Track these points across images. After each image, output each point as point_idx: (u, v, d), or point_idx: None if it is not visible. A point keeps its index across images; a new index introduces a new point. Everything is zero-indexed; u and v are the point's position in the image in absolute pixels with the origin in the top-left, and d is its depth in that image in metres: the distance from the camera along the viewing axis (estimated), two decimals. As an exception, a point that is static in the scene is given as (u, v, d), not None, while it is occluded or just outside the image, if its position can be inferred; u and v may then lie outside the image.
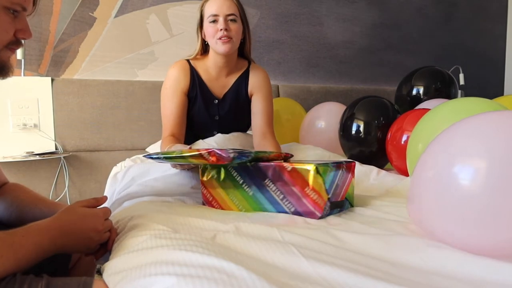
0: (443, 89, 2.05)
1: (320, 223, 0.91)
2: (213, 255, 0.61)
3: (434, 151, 0.77)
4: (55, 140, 1.90)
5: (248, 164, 0.99)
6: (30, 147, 1.85)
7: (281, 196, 0.96)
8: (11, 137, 1.83)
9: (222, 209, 1.04)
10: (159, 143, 1.94)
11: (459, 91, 2.64)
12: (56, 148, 1.91)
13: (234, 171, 1.02)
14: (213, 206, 1.06)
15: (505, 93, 3.27)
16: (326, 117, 2.02)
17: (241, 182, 1.01)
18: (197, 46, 1.52)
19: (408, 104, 2.04)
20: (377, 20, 2.75)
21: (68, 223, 0.74)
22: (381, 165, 1.62)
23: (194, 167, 1.21)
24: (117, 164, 1.70)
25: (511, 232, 0.65)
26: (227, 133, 1.56)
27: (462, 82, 2.74)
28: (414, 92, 2.07)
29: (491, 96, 1.88)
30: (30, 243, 0.66)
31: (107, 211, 0.81)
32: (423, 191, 0.76)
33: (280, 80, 2.46)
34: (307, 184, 0.92)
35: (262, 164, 0.99)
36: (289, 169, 0.95)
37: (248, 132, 1.68)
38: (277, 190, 0.97)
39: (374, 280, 0.57)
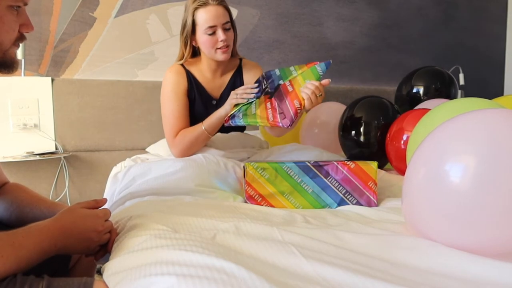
0: (443, 89, 2.05)
1: (320, 223, 0.91)
2: (213, 255, 0.61)
3: (425, 150, 0.78)
4: (55, 140, 1.90)
5: (308, 164, 1.11)
6: (30, 147, 1.85)
7: (344, 191, 1.10)
8: (11, 137, 1.83)
9: (272, 207, 1.09)
10: (159, 143, 1.95)
11: (459, 91, 2.64)
12: (56, 148, 1.91)
13: (291, 170, 1.10)
14: (259, 204, 1.10)
15: (505, 93, 3.27)
16: (326, 117, 2.02)
17: (299, 181, 1.10)
18: (186, 51, 1.50)
19: (408, 104, 2.04)
20: (377, 20, 2.75)
21: (68, 224, 0.74)
22: (381, 165, 1.62)
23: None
24: (117, 164, 1.70)
25: (500, 230, 0.66)
26: (227, 133, 1.56)
27: (462, 82, 2.74)
28: (414, 92, 2.07)
29: (491, 96, 1.88)
30: (31, 243, 0.67)
31: (107, 212, 0.82)
32: (414, 191, 0.76)
33: (280, 80, 2.46)
34: (371, 179, 1.10)
35: (323, 162, 1.12)
36: (352, 166, 1.10)
37: (245, 132, 1.68)
38: (339, 185, 1.10)
39: (374, 280, 0.57)
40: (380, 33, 2.77)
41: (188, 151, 1.41)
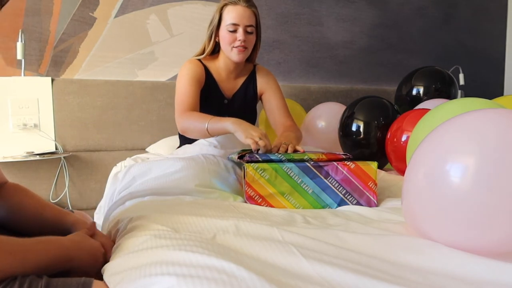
0: (443, 89, 2.05)
1: (320, 223, 0.91)
2: (213, 255, 0.61)
3: (425, 150, 0.78)
4: (55, 140, 1.90)
5: (308, 164, 1.10)
6: (30, 147, 1.85)
7: (344, 191, 1.10)
8: (11, 137, 1.83)
9: (272, 207, 1.08)
10: (159, 143, 1.95)
11: (459, 91, 2.64)
12: (56, 148, 1.91)
13: (291, 171, 1.09)
14: (259, 205, 1.09)
15: (505, 93, 3.27)
16: (326, 117, 2.02)
17: (299, 181, 1.10)
18: (208, 46, 1.54)
19: (408, 104, 2.04)
20: (377, 20, 2.75)
21: (77, 238, 0.75)
22: (381, 165, 1.62)
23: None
24: (117, 164, 1.70)
25: (501, 230, 0.65)
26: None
27: (462, 82, 2.74)
28: (414, 92, 2.07)
29: (491, 96, 1.88)
30: (41, 248, 0.67)
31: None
32: (414, 190, 0.76)
33: (280, 80, 2.44)
34: (371, 179, 1.09)
35: (323, 163, 1.11)
36: (352, 166, 1.09)
37: None
38: (339, 186, 1.10)
39: (374, 280, 0.57)
40: (380, 33, 2.77)
41: (187, 133, 1.42)
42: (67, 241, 0.72)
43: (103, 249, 0.79)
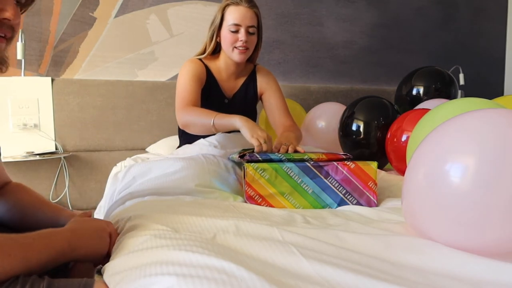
0: (443, 89, 2.05)
1: (320, 223, 0.91)
2: (213, 255, 0.61)
3: (425, 150, 0.78)
4: (55, 140, 1.90)
5: (308, 164, 1.10)
6: (30, 147, 1.85)
7: (344, 191, 1.10)
8: (11, 137, 1.83)
9: (272, 207, 1.08)
10: (159, 143, 1.95)
11: (459, 91, 2.64)
12: (56, 148, 1.91)
13: (291, 170, 1.09)
14: (259, 205, 1.09)
15: (505, 93, 3.27)
16: (326, 117, 2.02)
17: (299, 181, 1.10)
18: (209, 46, 1.54)
19: (408, 104, 2.04)
20: (377, 20, 2.75)
21: (77, 226, 0.75)
22: (381, 165, 1.62)
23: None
24: (117, 164, 1.70)
25: (501, 230, 0.65)
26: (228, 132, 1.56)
27: (462, 82, 2.74)
28: (414, 92, 2.07)
29: (491, 96, 1.88)
30: (41, 244, 0.66)
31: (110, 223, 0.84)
32: (414, 190, 0.76)
33: (280, 80, 2.44)
34: (371, 179, 1.09)
35: (323, 163, 1.11)
36: (352, 166, 1.09)
37: None
38: (339, 186, 1.10)
39: (374, 280, 0.57)
40: (380, 33, 2.77)
41: (189, 127, 1.42)
42: (67, 232, 0.72)
43: (108, 228, 0.79)
